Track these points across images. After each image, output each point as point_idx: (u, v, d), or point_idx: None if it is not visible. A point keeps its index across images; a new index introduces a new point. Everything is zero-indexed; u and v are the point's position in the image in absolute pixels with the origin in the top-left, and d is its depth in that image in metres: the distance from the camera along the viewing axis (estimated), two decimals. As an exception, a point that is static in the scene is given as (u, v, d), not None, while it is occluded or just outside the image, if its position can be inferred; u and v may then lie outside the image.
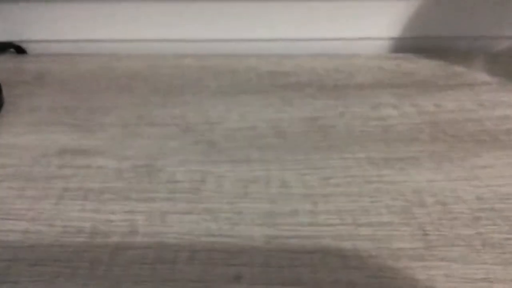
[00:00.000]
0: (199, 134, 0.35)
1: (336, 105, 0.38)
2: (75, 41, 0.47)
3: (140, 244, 0.27)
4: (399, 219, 0.28)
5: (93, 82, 0.41)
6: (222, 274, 0.25)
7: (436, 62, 0.43)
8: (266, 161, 0.33)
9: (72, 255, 0.27)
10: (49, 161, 0.33)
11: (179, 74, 0.42)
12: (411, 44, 0.46)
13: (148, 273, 0.26)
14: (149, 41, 0.47)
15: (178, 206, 0.29)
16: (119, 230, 0.28)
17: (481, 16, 0.45)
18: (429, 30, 0.46)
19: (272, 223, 0.28)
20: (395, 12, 0.44)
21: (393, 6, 0.44)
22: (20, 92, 0.40)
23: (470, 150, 0.33)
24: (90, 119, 0.37)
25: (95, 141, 0.35)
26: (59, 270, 0.26)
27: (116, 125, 0.36)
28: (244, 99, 0.39)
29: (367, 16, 0.45)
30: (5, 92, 0.39)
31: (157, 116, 0.37)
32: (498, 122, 0.36)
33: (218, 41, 0.47)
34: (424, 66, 0.43)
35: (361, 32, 0.46)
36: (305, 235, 0.28)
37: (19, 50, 0.47)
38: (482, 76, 0.41)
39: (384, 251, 0.27)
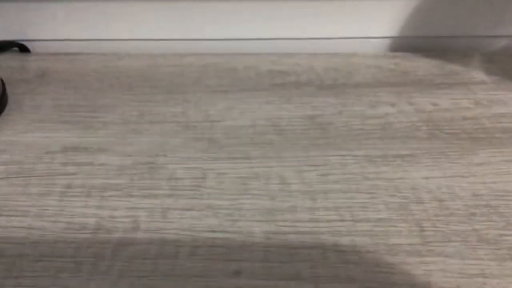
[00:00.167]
0: (200, 132, 0.36)
1: (334, 103, 0.38)
2: (78, 40, 0.47)
3: (142, 239, 0.28)
4: (397, 215, 0.29)
5: (96, 81, 0.42)
6: (222, 269, 0.26)
7: (434, 61, 0.43)
8: (266, 158, 0.33)
9: (76, 250, 0.27)
10: (52, 158, 0.33)
11: (180, 72, 0.43)
12: (409, 43, 0.47)
13: (150, 268, 0.26)
14: (150, 40, 0.47)
15: (179, 203, 0.30)
16: (121, 226, 0.28)
17: (478, 16, 0.45)
18: (426, 30, 0.46)
19: (271, 219, 0.29)
20: (393, 12, 0.45)
21: (391, 6, 0.44)
22: (23, 90, 0.41)
23: (467, 148, 0.34)
24: (93, 117, 0.37)
25: (98, 139, 0.35)
26: (63, 265, 0.26)
27: (118, 123, 0.37)
28: (244, 97, 0.39)
29: (366, 16, 0.45)
30: (9, 90, 0.40)
31: (158, 114, 0.38)
32: (494, 120, 0.36)
33: (218, 40, 0.47)
34: (422, 65, 0.43)
35: (360, 31, 0.46)
36: (304, 231, 0.28)
37: (23, 48, 0.47)
38: (479, 75, 0.41)
39: (381, 247, 0.27)
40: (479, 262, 0.26)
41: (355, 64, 0.43)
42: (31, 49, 0.47)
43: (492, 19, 0.45)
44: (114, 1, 0.44)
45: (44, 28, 0.46)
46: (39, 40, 0.47)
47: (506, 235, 0.28)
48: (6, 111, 0.38)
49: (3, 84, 0.39)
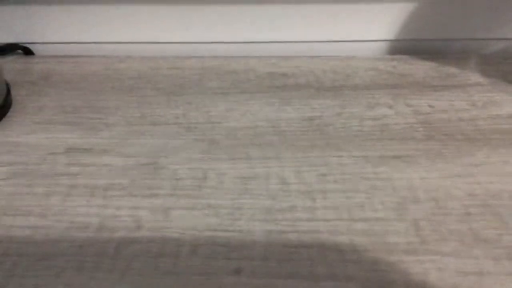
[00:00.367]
0: (201, 133, 0.36)
1: (333, 105, 0.39)
2: (81, 43, 0.47)
3: (144, 238, 0.28)
4: (394, 214, 0.29)
5: (98, 83, 0.42)
6: (223, 268, 0.26)
7: (431, 64, 0.44)
8: (266, 159, 0.33)
9: (79, 249, 0.27)
10: (56, 159, 0.34)
11: (181, 75, 0.43)
12: (406, 46, 0.47)
13: (151, 266, 0.26)
14: (152, 43, 0.47)
15: (181, 202, 0.30)
16: (124, 225, 0.29)
17: (474, 19, 0.45)
18: (424, 33, 0.46)
19: (271, 218, 0.29)
20: (391, 15, 0.45)
21: (389, 10, 0.44)
22: (27, 92, 0.41)
23: (463, 149, 0.34)
24: (95, 118, 0.38)
25: (100, 140, 0.35)
26: (66, 264, 0.26)
27: (120, 124, 0.37)
28: (244, 99, 0.40)
29: (364, 19, 0.45)
30: (13, 92, 0.40)
31: (160, 115, 0.38)
32: (490, 121, 0.36)
33: (219, 43, 0.47)
34: (419, 68, 0.43)
35: (358, 34, 0.46)
36: (303, 230, 0.28)
37: (27, 51, 0.47)
38: (475, 77, 0.42)
39: (379, 246, 0.27)
40: (475, 261, 0.26)
41: (354, 67, 0.44)
42: (35, 52, 0.48)
43: (487, 22, 0.45)
44: (116, 4, 0.45)
45: (47, 31, 0.47)
46: (42, 43, 0.47)
47: (502, 234, 0.28)
48: (10, 113, 0.38)
49: (8, 86, 0.40)
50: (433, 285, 0.25)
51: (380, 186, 0.31)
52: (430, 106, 0.38)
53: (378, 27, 0.46)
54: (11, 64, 0.45)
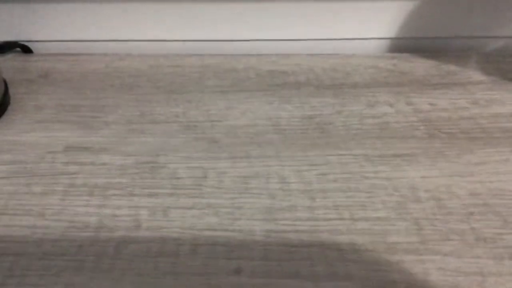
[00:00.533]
0: (201, 131, 0.36)
1: (333, 103, 0.39)
2: (80, 41, 0.47)
3: (143, 238, 0.28)
4: (395, 214, 0.29)
5: (97, 81, 0.42)
6: (223, 267, 0.26)
7: (431, 62, 0.44)
8: (266, 158, 0.33)
9: (78, 249, 0.27)
10: (54, 157, 0.34)
11: (181, 73, 0.43)
12: (407, 44, 0.47)
13: (151, 266, 0.26)
14: (151, 41, 0.47)
15: (181, 201, 0.30)
16: (123, 224, 0.29)
17: (474, 17, 0.45)
18: (424, 31, 0.46)
19: (271, 217, 0.29)
20: (391, 13, 0.45)
21: (389, 8, 0.44)
22: (26, 90, 0.41)
23: (464, 147, 0.34)
24: (95, 116, 0.38)
25: (100, 138, 0.35)
26: (65, 263, 0.26)
27: (119, 123, 0.37)
28: (244, 97, 0.40)
29: (364, 17, 0.45)
30: (11, 91, 0.40)
31: (159, 114, 0.38)
32: (491, 119, 0.36)
33: (219, 41, 0.47)
34: (420, 66, 0.43)
35: (358, 32, 0.46)
36: (303, 229, 0.28)
37: (25, 49, 0.47)
38: (476, 75, 0.42)
39: (380, 245, 0.27)
40: (476, 261, 0.26)
41: (354, 65, 0.44)
42: (33, 50, 0.48)
43: (488, 20, 0.45)
44: (116, 2, 0.45)
45: (46, 29, 0.47)
46: (41, 41, 0.47)
47: (503, 233, 0.28)
48: (8, 111, 0.38)
49: (6, 84, 0.39)
50: (434, 285, 0.25)
51: (381, 185, 0.31)
52: (430, 104, 0.38)
53: (378, 25, 0.46)
54: (10, 62, 0.45)
